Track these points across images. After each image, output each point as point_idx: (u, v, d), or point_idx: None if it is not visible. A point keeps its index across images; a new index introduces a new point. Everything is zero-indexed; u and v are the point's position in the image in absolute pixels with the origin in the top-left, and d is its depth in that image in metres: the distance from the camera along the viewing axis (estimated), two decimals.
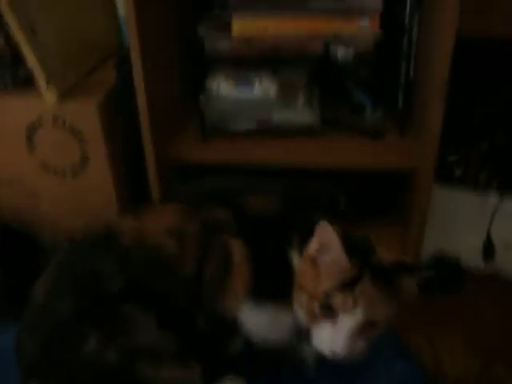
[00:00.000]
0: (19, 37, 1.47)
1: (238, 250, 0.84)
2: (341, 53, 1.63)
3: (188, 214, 0.86)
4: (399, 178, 1.73)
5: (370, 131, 1.72)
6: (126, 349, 0.79)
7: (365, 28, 1.61)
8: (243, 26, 1.62)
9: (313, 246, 0.83)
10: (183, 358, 0.83)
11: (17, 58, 1.51)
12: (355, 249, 0.80)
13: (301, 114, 1.70)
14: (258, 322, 0.86)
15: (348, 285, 0.78)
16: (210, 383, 0.89)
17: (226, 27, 1.63)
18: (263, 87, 1.68)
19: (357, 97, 1.81)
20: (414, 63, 1.70)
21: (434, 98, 1.50)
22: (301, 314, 0.83)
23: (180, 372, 0.83)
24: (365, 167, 1.64)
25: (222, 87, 1.68)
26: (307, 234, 0.83)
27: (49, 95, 1.53)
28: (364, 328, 0.80)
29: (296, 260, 0.85)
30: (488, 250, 1.76)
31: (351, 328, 0.79)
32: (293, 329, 0.88)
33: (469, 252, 1.76)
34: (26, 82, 1.55)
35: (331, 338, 0.79)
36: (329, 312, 0.79)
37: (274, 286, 0.85)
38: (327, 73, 1.81)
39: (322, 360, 0.87)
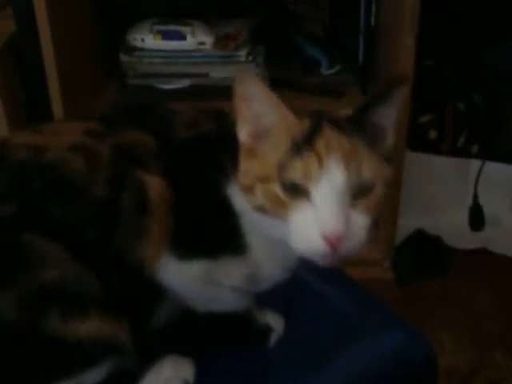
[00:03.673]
0: None
1: (155, 186, 0.64)
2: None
3: (99, 133, 0.67)
4: None
5: (328, 90, 1.46)
6: (29, 295, 0.60)
7: None
8: None
9: (241, 126, 0.62)
10: (110, 307, 0.63)
11: None
12: None
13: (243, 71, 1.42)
14: (186, 281, 0.68)
15: (304, 142, 0.59)
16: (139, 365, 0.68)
17: None
18: (197, 39, 1.40)
19: (310, 53, 1.55)
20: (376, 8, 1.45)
21: (405, 36, 1.29)
22: (266, 219, 0.62)
23: (106, 328, 0.62)
24: None
25: (147, 40, 1.40)
26: None
27: None
28: (355, 196, 0.59)
29: (237, 198, 0.65)
30: (476, 220, 1.50)
31: (336, 194, 0.58)
32: (244, 289, 0.70)
33: (451, 226, 1.51)
34: None
35: (316, 219, 0.58)
36: (297, 189, 0.59)
37: (208, 235, 0.66)
38: (274, 27, 1.56)
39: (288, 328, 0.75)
